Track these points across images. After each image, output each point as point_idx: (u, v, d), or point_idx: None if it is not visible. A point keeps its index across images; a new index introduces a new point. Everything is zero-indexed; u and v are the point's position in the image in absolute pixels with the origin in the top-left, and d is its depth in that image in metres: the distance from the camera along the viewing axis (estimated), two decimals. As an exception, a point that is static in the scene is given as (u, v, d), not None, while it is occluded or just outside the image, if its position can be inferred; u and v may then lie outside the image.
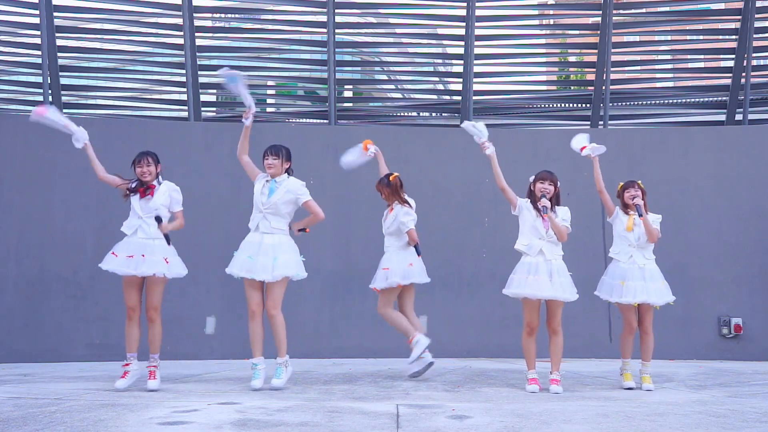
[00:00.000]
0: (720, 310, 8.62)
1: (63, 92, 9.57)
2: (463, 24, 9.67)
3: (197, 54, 9.55)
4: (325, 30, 9.62)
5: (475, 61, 9.68)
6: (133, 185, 5.35)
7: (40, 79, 9.41)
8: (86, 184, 8.52)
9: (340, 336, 8.54)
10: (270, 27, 10.56)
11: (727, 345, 8.55)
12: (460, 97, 9.91)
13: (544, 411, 4.25)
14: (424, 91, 11.47)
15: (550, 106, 10.31)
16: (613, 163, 8.01)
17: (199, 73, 9.65)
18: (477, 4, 9.50)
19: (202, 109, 9.75)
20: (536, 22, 12.38)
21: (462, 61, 9.75)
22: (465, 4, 9.54)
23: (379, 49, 10.88)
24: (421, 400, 4.73)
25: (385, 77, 12.50)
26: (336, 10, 9.53)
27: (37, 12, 9.22)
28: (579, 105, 10.26)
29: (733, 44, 9.69)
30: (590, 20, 10.18)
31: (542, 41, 11.70)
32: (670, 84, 12.10)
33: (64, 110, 9.62)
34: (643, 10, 10.15)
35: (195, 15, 9.53)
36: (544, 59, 10.93)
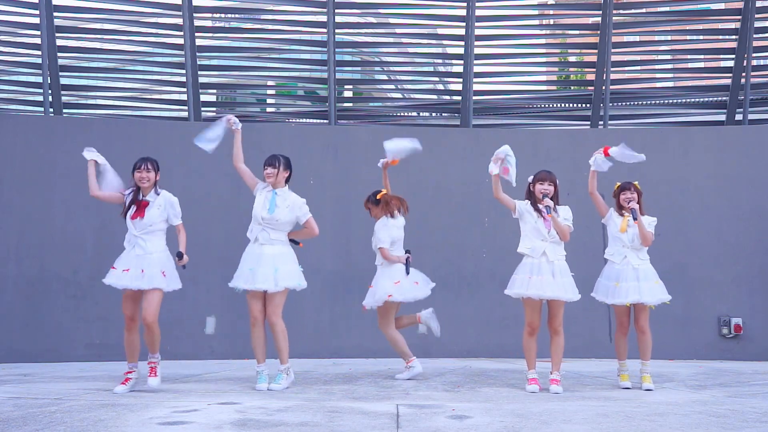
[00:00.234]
0: (720, 310, 8.62)
1: (63, 92, 9.57)
2: (463, 24, 9.67)
3: (197, 54, 9.55)
4: (325, 30, 9.62)
5: (475, 61, 9.68)
6: (128, 199, 5.28)
7: (40, 79, 9.41)
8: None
9: (340, 336, 8.53)
10: (270, 27, 10.56)
11: (727, 345, 8.54)
12: (460, 97, 9.91)
13: (544, 411, 4.25)
14: (424, 91, 11.47)
15: (550, 106, 10.31)
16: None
17: (199, 73, 9.65)
18: (477, 4, 9.50)
19: (202, 109, 9.74)
20: (536, 22, 12.38)
21: (462, 61, 9.75)
22: (465, 4, 9.54)
23: (379, 49, 10.88)
24: (421, 400, 4.73)
25: (385, 77, 12.50)
26: (336, 10, 9.53)
27: (37, 12, 9.22)
28: (579, 105, 10.25)
29: (733, 44, 9.68)
30: (590, 20, 10.18)
31: (542, 41, 11.70)
32: (670, 84, 12.10)
33: (64, 110, 9.65)
34: (643, 10, 10.15)
35: (195, 15, 9.52)
36: (544, 59, 10.93)
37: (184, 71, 9.52)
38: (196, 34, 9.55)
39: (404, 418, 3.98)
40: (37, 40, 9.35)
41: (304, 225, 5.56)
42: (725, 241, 8.73)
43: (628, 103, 10.39)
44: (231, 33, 11.27)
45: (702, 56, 11.20)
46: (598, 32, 9.72)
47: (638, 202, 5.62)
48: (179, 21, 9.48)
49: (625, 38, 11.45)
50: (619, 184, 5.78)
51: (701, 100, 10.13)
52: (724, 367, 7.48)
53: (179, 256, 5.23)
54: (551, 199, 5.39)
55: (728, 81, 9.77)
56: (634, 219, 5.51)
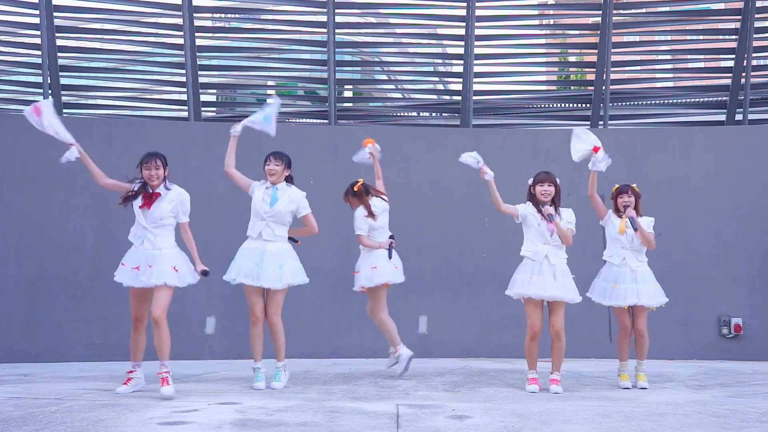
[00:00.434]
0: (720, 310, 8.62)
1: (63, 92, 9.57)
2: (463, 24, 9.67)
3: (197, 54, 9.55)
4: (325, 30, 9.62)
5: (475, 61, 9.68)
6: (136, 188, 5.08)
7: (40, 79, 9.41)
8: (86, 184, 8.49)
9: (340, 336, 8.54)
10: (270, 27, 10.57)
11: (727, 345, 8.54)
12: (460, 97, 9.91)
13: (544, 411, 4.25)
14: (424, 91, 11.47)
15: (550, 106, 10.31)
16: (613, 163, 7.99)
17: (199, 73, 9.65)
18: (477, 4, 9.50)
19: (202, 109, 9.75)
20: (536, 22, 12.38)
21: (462, 61, 9.75)
22: (465, 4, 9.54)
23: (379, 49, 10.88)
24: (421, 400, 4.73)
25: (385, 77, 12.50)
26: (336, 10, 9.53)
27: (37, 12, 9.22)
28: (579, 105, 10.26)
29: (733, 44, 9.68)
30: (590, 20, 10.18)
31: (542, 41, 11.70)
32: (670, 84, 12.09)
33: (64, 110, 9.64)
34: (643, 10, 10.15)
35: (195, 15, 9.52)
36: (544, 59, 10.93)
37: (184, 71, 9.52)
38: (196, 34, 9.55)
39: (404, 418, 3.98)
40: (37, 40, 9.35)
41: (303, 221, 5.56)
42: (725, 241, 8.73)
43: (628, 103, 10.40)
44: (231, 33, 11.27)
45: (702, 56, 11.21)
46: (598, 32, 9.72)
47: (636, 205, 5.62)
48: (179, 21, 9.48)
49: (625, 38, 11.45)
50: (617, 186, 5.78)
51: (701, 100, 10.13)
52: (724, 367, 7.48)
53: (205, 274, 5.15)
54: (553, 200, 5.39)
55: (728, 81, 9.77)
56: (634, 229, 5.50)
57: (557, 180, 5.47)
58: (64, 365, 7.54)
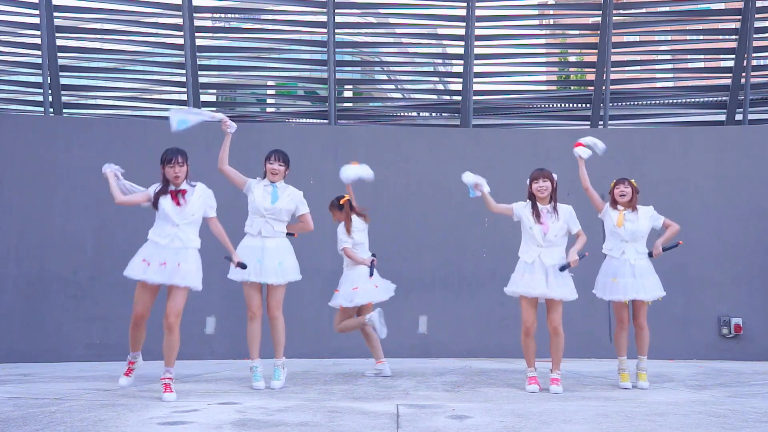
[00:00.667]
0: (720, 310, 8.62)
1: (63, 92, 9.58)
2: (463, 24, 9.67)
3: (197, 54, 9.55)
4: (325, 30, 9.63)
5: (475, 61, 9.69)
6: (158, 189, 4.95)
7: (40, 79, 9.42)
8: (86, 184, 8.53)
9: (340, 336, 8.51)
10: (270, 27, 10.57)
11: (727, 345, 8.54)
12: (460, 97, 9.91)
13: (544, 411, 4.25)
14: (424, 91, 11.47)
15: (550, 106, 10.31)
16: (613, 163, 8.02)
17: (199, 73, 9.65)
18: (477, 4, 9.50)
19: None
20: (536, 22, 12.39)
21: (462, 61, 9.75)
22: (465, 4, 9.54)
23: (379, 49, 10.88)
24: (421, 400, 4.73)
25: (385, 77, 12.51)
26: (336, 10, 9.53)
27: (37, 12, 9.22)
28: (579, 105, 10.26)
29: (733, 44, 9.69)
30: (590, 20, 10.19)
31: (542, 41, 11.70)
32: (670, 84, 12.10)
33: (64, 111, 9.64)
34: (643, 10, 10.15)
35: (195, 15, 9.53)
36: (544, 59, 10.93)
37: (184, 71, 9.52)
38: (196, 34, 9.55)
39: (404, 418, 3.98)
40: (37, 40, 9.35)
41: (301, 220, 5.61)
42: (725, 241, 8.73)
43: (628, 103, 10.40)
44: (231, 33, 11.27)
45: (702, 56, 11.21)
46: (598, 32, 9.72)
47: (633, 199, 5.65)
48: (179, 21, 9.48)
49: (625, 38, 11.46)
50: (615, 181, 5.80)
51: (701, 100, 10.14)
52: (724, 367, 7.48)
53: (242, 266, 5.14)
54: (550, 195, 5.39)
55: (728, 81, 9.77)
56: (650, 255, 5.65)
57: (553, 175, 5.47)
58: (64, 365, 7.54)
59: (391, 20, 10.53)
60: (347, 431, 3.57)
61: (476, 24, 9.57)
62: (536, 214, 5.37)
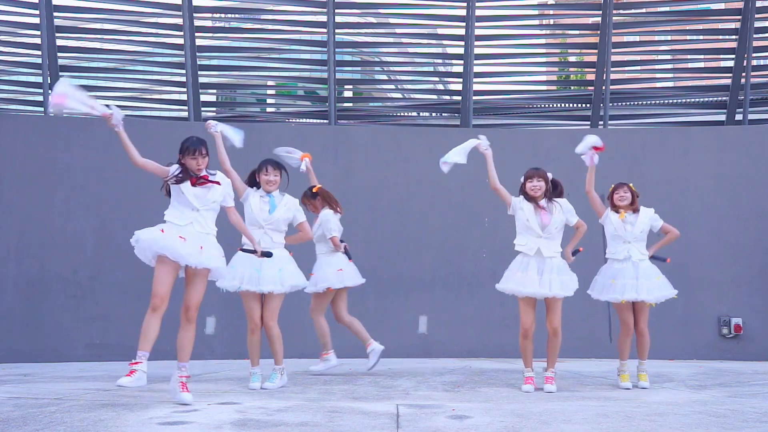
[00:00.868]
0: (720, 310, 8.62)
1: (63, 92, 9.56)
2: (463, 24, 9.67)
3: (197, 54, 9.55)
4: (325, 30, 9.63)
5: (475, 61, 9.69)
6: (177, 172, 4.70)
7: (40, 79, 9.42)
8: (86, 184, 8.53)
9: (340, 336, 8.51)
10: (270, 27, 10.57)
11: (727, 345, 8.54)
12: (460, 97, 9.91)
13: (544, 411, 4.25)
14: (424, 91, 11.48)
15: (550, 106, 10.31)
16: (613, 163, 8.02)
17: (199, 73, 9.65)
18: (477, 4, 9.50)
19: (202, 109, 9.75)
20: (536, 22, 12.39)
21: (462, 61, 9.75)
22: (465, 4, 9.54)
23: (379, 49, 10.88)
24: (421, 400, 4.73)
25: (385, 77, 12.51)
26: (336, 10, 9.53)
27: (37, 12, 9.22)
28: (579, 105, 10.26)
29: (733, 44, 9.69)
30: (590, 20, 10.19)
31: (542, 41, 11.70)
32: (670, 84, 12.10)
33: (65, 111, 9.63)
34: (643, 10, 10.15)
35: (195, 15, 9.53)
36: (544, 59, 10.93)
37: (184, 71, 9.52)
38: (196, 34, 9.55)
39: (404, 418, 3.98)
40: (37, 40, 9.35)
41: (299, 229, 5.58)
42: (725, 241, 8.73)
43: (628, 103, 10.40)
44: (231, 33, 11.28)
45: (702, 56, 11.21)
46: (598, 32, 9.72)
47: (633, 202, 5.64)
48: (179, 21, 9.48)
49: (625, 38, 11.46)
50: (613, 185, 5.79)
51: (701, 100, 10.14)
52: (724, 367, 7.48)
53: (268, 255, 5.06)
54: (544, 194, 5.38)
55: (728, 81, 9.77)
56: (662, 259, 5.69)
57: (548, 174, 5.46)
58: (64, 365, 7.54)
59: (391, 20, 10.54)
60: (347, 431, 3.57)
61: (476, 24, 9.57)
62: (535, 207, 5.36)
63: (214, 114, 10.48)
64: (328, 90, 9.59)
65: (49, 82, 9.29)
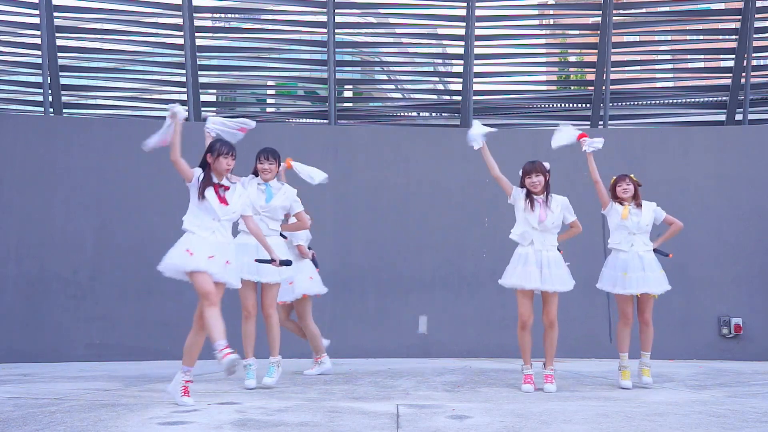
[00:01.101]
0: (720, 310, 8.62)
1: (63, 92, 9.57)
2: (463, 24, 9.67)
3: (197, 54, 9.55)
4: (325, 30, 9.63)
5: (475, 61, 9.68)
6: (200, 178, 4.68)
7: (40, 79, 9.42)
8: (86, 184, 8.53)
9: (340, 336, 8.53)
10: (270, 27, 10.57)
11: (727, 345, 8.54)
12: (460, 97, 9.91)
13: (544, 411, 4.25)
14: (424, 91, 11.47)
15: (550, 106, 10.31)
16: (613, 163, 8.01)
17: (199, 73, 9.65)
18: (477, 4, 9.50)
19: (202, 109, 9.74)
20: (536, 22, 12.38)
21: (462, 61, 9.75)
22: (465, 4, 9.54)
23: (379, 49, 10.88)
24: (421, 400, 4.73)
25: (385, 77, 12.51)
26: (336, 10, 9.53)
27: (37, 12, 9.22)
28: (579, 105, 10.26)
29: (733, 44, 9.68)
30: (590, 20, 10.19)
31: (542, 41, 11.70)
32: (670, 84, 12.10)
33: (65, 111, 9.64)
34: (643, 10, 10.15)
35: (195, 15, 9.52)
36: (544, 59, 10.93)
37: (184, 71, 9.52)
38: (196, 34, 9.55)
39: (404, 418, 3.98)
40: (37, 40, 9.35)
41: (296, 217, 5.62)
42: (725, 241, 8.73)
43: (628, 103, 10.39)
44: (231, 33, 11.28)
45: (702, 56, 11.21)
46: (598, 32, 9.72)
47: (636, 193, 5.66)
48: (179, 21, 9.48)
49: (625, 38, 11.46)
50: (615, 177, 5.81)
51: (701, 100, 10.13)
52: (724, 367, 7.48)
53: (287, 264, 5.06)
54: (544, 188, 5.39)
55: (728, 81, 9.77)
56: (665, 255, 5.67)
57: (545, 168, 5.47)
58: (64, 365, 7.54)
59: (391, 20, 10.53)
60: (347, 431, 3.57)
61: (476, 24, 9.57)
62: (531, 203, 5.37)
63: (214, 114, 10.48)
64: (328, 90, 9.59)
65: (49, 82, 9.29)
